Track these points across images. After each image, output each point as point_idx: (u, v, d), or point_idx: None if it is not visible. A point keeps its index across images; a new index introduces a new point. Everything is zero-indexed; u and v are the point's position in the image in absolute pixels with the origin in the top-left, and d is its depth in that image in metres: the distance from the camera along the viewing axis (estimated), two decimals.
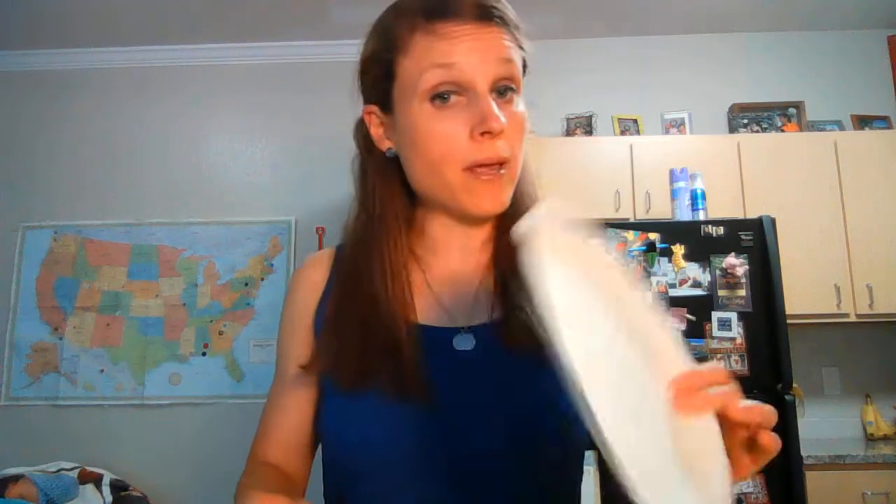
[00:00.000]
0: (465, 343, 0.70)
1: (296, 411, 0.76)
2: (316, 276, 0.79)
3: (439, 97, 0.66)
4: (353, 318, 0.71)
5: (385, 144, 0.73)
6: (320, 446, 0.76)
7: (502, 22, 0.68)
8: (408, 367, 0.66)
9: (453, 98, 0.66)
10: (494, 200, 0.68)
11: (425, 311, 0.72)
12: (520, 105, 0.70)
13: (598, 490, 0.81)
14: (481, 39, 0.66)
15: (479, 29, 0.66)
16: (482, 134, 0.65)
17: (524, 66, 0.73)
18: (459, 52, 0.65)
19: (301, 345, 0.76)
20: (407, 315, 0.70)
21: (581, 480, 0.74)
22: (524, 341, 0.64)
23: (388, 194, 0.74)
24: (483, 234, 0.76)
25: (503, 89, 0.68)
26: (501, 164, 0.67)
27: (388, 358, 0.67)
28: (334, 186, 3.19)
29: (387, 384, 0.66)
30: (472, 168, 0.66)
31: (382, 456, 0.67)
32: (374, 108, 0.73)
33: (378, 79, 0.71)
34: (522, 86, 0.71)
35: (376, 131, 0.74)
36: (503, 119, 0.65)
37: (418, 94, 0.67)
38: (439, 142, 0.66)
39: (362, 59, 0.73)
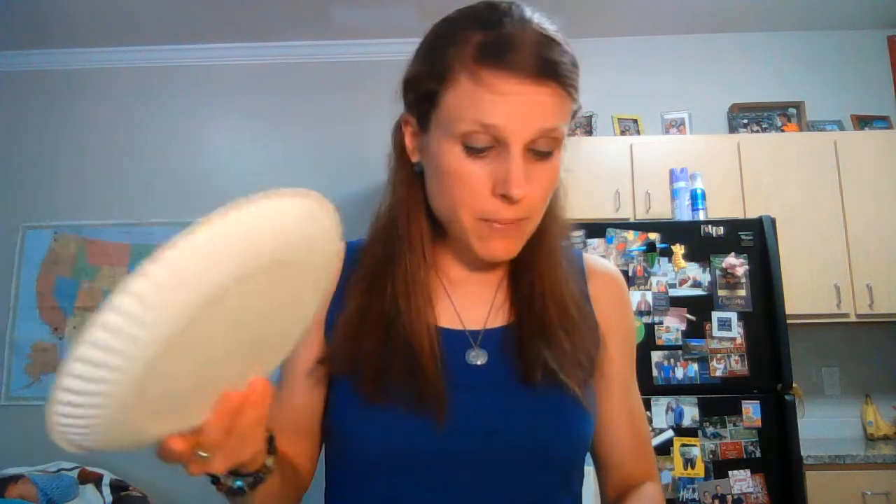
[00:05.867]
0: (478, 358, 0.73)
1: (304, 402, 0.75)
2: None
3: (473, 146, 0.65)
4: (374, 329, 0.71)
5: (416, 157, 0.72)
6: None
7: (559, 77, 0.64)
8: (426, 383, 0.68)
9: (487, 148, 0.64)
10: (505, 250, 0.69)
11: (442, 315, 0.74)
12: (556, 157, 0.68)
13: (598, 489, 0.82)
14: (527, 102, 0.63)
15: (530, 87, 0.63)
16: (502, 196, 0.64)
17: (575, 109, 0.70)
18: (500, 114, 0.63)
19: (306, 343, 0.75)
20: (427, 327, 0.70)
21: (581, 480, 0.76)
22: (537, 374, 0.69)
23: (414, 212, 0.72)
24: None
25: (543, 150, 0.66)
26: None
27: (408, 375, 0.68)
28: (335, 187, 3.19)
29: (405, 398, 0.67)
30: (487, 220, 0.66)
31: (394, 452, 0.68)
32: (412, 120, 0.71)
33: (419, 100, 0.69)
34: (565, 135, 0.68)
35: (410, 142, 0.72)
36: (523, 185, 0.63)
37: (453, 134, 0.65)
38: (462, 187, 0.66)
39: (408, 76, 0.71)
